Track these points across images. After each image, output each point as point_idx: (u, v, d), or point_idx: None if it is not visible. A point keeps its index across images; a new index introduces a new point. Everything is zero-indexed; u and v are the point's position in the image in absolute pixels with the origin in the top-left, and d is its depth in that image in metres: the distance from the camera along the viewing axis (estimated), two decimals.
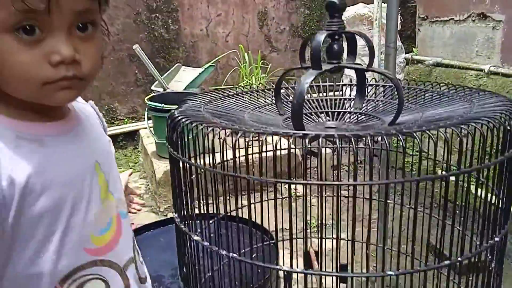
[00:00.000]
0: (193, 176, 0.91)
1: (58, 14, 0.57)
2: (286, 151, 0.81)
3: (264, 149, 0.95)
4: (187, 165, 0.88)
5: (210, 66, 2.97)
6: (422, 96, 1.10)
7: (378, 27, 3.47)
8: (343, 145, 1.08)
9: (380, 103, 1.12)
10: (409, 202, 0.76)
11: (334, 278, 1.08)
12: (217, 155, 0.78)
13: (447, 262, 0.67)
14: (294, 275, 1.24)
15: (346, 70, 2.79)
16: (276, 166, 0.84)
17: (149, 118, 2.86)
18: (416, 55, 3.16)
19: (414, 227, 0.68)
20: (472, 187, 0.69)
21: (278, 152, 0.84)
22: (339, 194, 0.63)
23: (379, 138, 0.71)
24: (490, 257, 0.74)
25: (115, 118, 3.74)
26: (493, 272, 0.74)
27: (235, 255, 0.73)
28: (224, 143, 0.78)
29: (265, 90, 1.22)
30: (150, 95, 2.81)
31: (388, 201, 0.80)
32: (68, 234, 0.65)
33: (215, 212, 0.87)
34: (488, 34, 2.59)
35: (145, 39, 3.49)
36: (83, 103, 0.79)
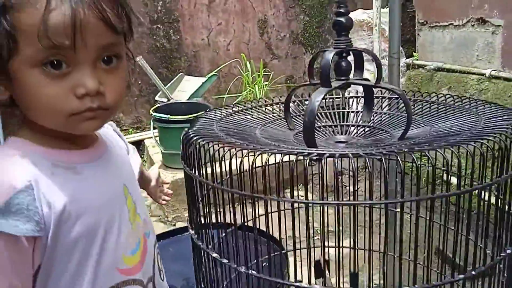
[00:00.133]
0: (205, 192, 0.94)
1: (83, 50, 0.60)
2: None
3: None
4: (203, 185, 0.90)
5: (212, 75, 3.00)
6: (428, 108, 1.12)
7: (377, 33, 3.49)
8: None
9: (387, 115, 1.14)
10: (425, 213, 0.78)
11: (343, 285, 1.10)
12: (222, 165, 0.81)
13: (461, 276, 0.69)
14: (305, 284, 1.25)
15: None
16: (279, 174, 0.85)
17: (154, 128, 2.88)
18: (417, 59, 3.18)
19: (429, 238, 0.70)
20: (488, 198, 0.71)
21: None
22: (356, 211, 0.65)
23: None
24: (502, 268, 0.76)
25: (120, 129, 3.77)
26: (505, 284, 0.76)
27: (254, 272, 0.74)
28: (237, 161, 0.80)
29: (273, 104, 1.25)
30: (155, 106, 2.83)
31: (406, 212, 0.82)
32: (103, 256, 0.68)
33: (222, 221, 0.89)
34: (487, 39, 2.61)
35: (148, 50, 3.52)
36: (105, 127, 0.82)
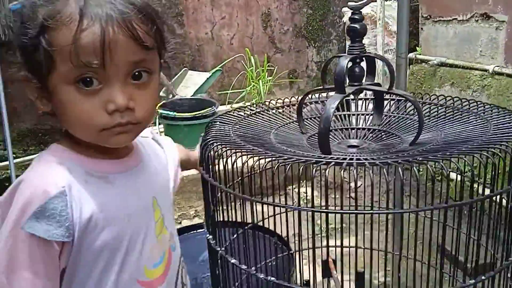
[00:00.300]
0: (219, 194, 0.97)
1: (112, 67, 0.62)
2: None
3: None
4: (221, 191, 0.93)
5: (217, 70, 3.02)
6: (436, 111, 1.14)
7: (381, 27, 3.50)
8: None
9: (396, 118, 1.17)
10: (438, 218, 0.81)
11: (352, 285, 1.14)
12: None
13: (472, 281, 0.72)
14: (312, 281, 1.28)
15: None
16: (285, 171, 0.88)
17: (159, 124, 2.90)
18: (420, 54, 3.20)
19: (443, 244, 0.73)
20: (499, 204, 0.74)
21: None
22: (372, 220, 0.68)
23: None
24: (510, 275, 0.79)
25: None
26: None
27: (273, 278, 0.77)
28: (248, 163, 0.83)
29: (284, 106, 1.27)
30: (161, 103, 2.85)
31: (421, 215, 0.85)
32: (125, 267, 0.71)
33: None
34: (491, 35, 2.63)
35: None
36: (145, 136, 0.84)
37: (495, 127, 0.89)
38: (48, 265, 0.65)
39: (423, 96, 1.22)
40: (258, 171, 0.93)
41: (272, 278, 0.75)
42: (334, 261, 1.50)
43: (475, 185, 0.79)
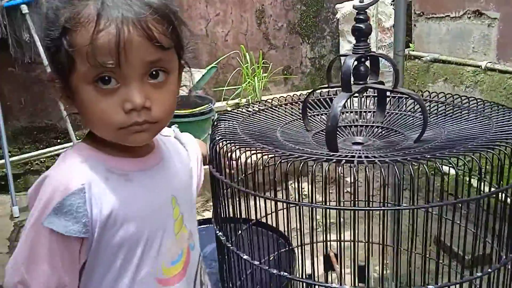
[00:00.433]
0: (226, 190, 0.98)
1: (128, 66, 0.64)
2: None
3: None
4: (228, 186, 0.94)
5: (212, 67, 3.02)
6: (436, 108, 1.17)
7: (374, 23, 3.53)
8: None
9: (398, 116, 1.19)
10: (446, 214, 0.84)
11: (353, 278, 1.16)
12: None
13: (479, 274, 0.75)
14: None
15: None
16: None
17: None
18: (413, 50, 3.23)
19: (451, 239, 0.75)
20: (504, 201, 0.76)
21: None
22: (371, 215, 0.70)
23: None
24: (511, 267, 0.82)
25: None
26: None
27: (286, 273, 0.79)
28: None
29: (287, 103, 1.29)
30: None
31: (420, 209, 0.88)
32: (142, 264, 0.72)
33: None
34: (483, 31, 2.67)
35: None
36: (167, 135, 0.85)
37: (497, 125, 0.92)
38: (66, 259, 0.67)
39: (423, 94, 1.25)
40: (266, 168, 0.94)
41: (285, 274, 0.77)
42: (336, 255, 1.52)
43: (475, 182, 0.82)
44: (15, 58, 2.91)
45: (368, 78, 1.01)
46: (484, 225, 0.76)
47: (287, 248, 1.41)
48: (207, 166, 0.99)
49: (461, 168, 0.71)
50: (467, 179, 0.70)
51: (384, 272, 0.84)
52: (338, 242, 1.39)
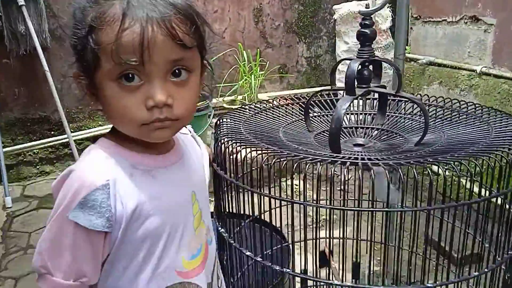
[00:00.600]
0: (227, 187, 1.00)
1: (151, 64, 0.65)
2: None
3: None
4: (231, 184, 0.96)
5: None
6: (434, 111, 1.19)
7: None
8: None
9: (398, 118, 1.21)
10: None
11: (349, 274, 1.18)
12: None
13: (476, 273, 0.77)
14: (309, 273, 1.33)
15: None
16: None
17: None
18: (409, 53, 3.26)
19: (451, 241, 0.77)
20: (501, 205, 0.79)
21: None
22: (374, 218, 0.72)
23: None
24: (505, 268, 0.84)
25: None
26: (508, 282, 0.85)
27: (288, 269, 0.81)
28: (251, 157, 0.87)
29: (289, 104, 1.30)
30: None
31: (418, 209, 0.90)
32: (164, 256, 0.74)
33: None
34: (480, 36, 2.70)
35: None
36: (185, 133, 0.86)
37: (497, 130, 0.94)
38: (88, 251, 0.69)
39: (422, 97, 1.27)
40: (270, 167, 0.95)
41: (287, 270, 0.79)
42: (330, 252, 1.55)
43: (469, 184, 0.84)
44: (10, 50, 2.89)
45: (371, 82, 1.03)
46: (482, 227, 0.78)
47: (286, 244, 1.43)
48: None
49: (464, 173, 0.72)
50: (464, 182, 0.72)
51: (384, 270, 0.86)
52: (334, 240, 1.41)
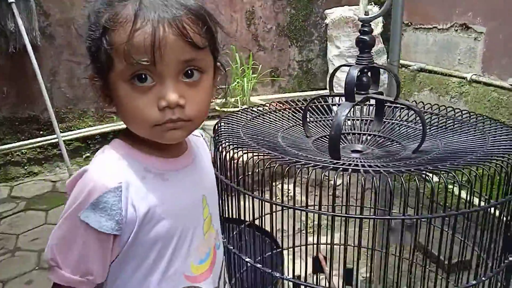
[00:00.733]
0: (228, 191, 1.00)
1: (163, 65, 0.65)
2: None
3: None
4: (231, 187, 0.96)
5: None
6: (429, 119, 1.21)
7: None
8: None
9: (395, 125, 1.22)
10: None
11: (341, 280, 1.19)
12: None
13: (474, 282, 0.78)
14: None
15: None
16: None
17: None
18: (400, 59, 3.30)
19: (451, 250, 0.78)
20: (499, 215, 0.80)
21: None
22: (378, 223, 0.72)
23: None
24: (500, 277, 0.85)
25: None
26: None
27: (289, 276, 0.81)
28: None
29: (286, 109, 1.30)
30: None
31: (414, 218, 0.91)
32: (173, 260, 0.73)
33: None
34: (470, 44, 2.74)
35: None
36: (197, 135, 0.86)
37: (493, 139, 0.95)
38: (96, 252, 0.69)
39: (417, 104, 1.28)
40: (270, 169, 0.96)
41: (289, 277, 0.79)
42: (325, 258, 1.55)
43: (464, 193, 0.85)
44: None
45: (369, 89, 1.04)
46: (480, 236, 0.79)
47: (275, 250, 1.43)
48: None
49: (465, 184, 0.73)
50: (459, 191, 0.73)
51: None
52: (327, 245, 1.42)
